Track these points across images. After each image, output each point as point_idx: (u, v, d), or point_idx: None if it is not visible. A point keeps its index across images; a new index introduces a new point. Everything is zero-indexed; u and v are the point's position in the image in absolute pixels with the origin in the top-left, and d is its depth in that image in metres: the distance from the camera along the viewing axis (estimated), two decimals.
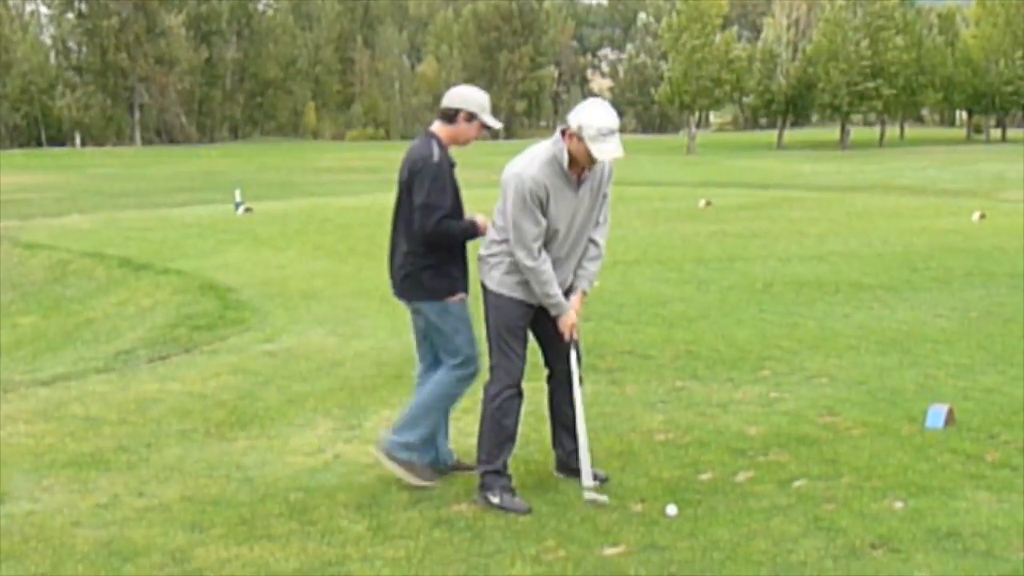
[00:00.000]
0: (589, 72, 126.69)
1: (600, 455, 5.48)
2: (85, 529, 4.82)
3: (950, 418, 6.05)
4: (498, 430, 5.04)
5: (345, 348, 8.74)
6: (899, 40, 67.47)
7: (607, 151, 4.81)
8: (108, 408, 7.03)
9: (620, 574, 4.23)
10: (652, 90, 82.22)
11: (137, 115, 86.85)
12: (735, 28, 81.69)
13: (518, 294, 5.02)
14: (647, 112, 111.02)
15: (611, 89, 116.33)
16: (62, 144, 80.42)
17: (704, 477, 5.32)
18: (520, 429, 5.18)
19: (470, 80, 75.20)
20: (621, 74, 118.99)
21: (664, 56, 77.15)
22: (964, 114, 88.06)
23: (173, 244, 16.70)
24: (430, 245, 5.12)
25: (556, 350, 5.22)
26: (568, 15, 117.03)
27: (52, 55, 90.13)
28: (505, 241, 4.97)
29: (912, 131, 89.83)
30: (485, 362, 5.20)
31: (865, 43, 66.88)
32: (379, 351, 8.54)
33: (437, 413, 5.30)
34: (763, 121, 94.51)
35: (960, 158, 47.10)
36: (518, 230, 4.88)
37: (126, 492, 5.31)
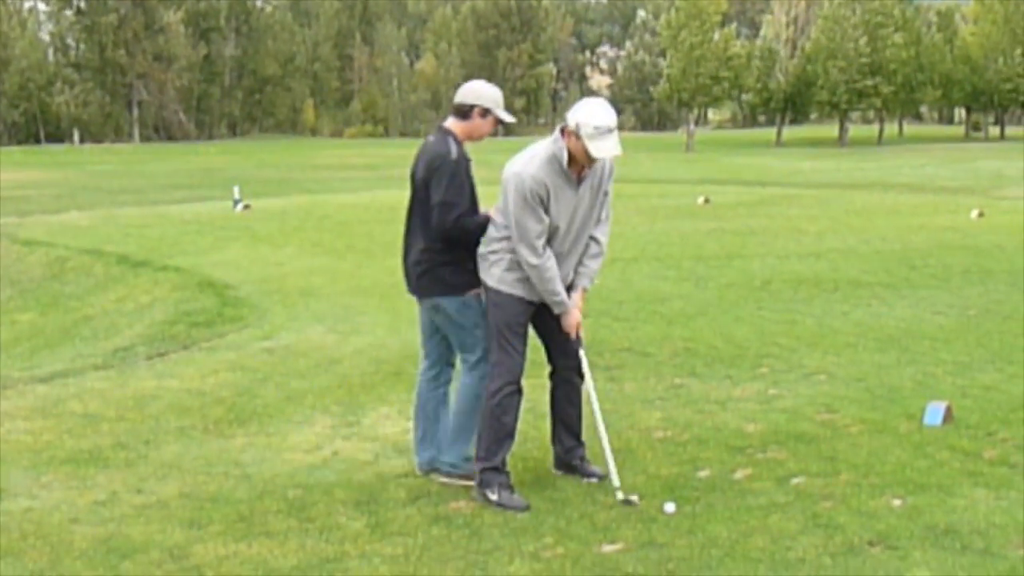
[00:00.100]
0: (588, 69, 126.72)
1: (598, 452, 5.47)
2: (83, 526, 4.82)
3: (948, 415, 6.06)
4: (497, 427, 5.04)
5: (343, 345, 8.74)
6: (898, 38, 67.43)
7: (605, 149, 4.82)
8: (106, 405, 7.03)
9: (618, 571, 4.23)
10: (651, 87, 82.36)
11: (135, 112, 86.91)
12: (734, 25, 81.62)
13: (518, 291, 5.02)
14: (646, 109, 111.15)
15: (610, 86, 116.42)
16: (60, 141, 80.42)
17: (702, 474, 5.32)
18: (519, 426, 5.17)
19: (469, 77, 75.04)
20: (620, 71, 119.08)
21: (663, 53, 77.10)
22: (963, 112, 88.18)
23: (171, 241, 16.70)
24: (448, 242, 5.11)
25: (559, 347, 5.22)
26: (567, 12, 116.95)
27: (50, 52, 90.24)
28: (505, 238, 4.98)
29: (911, 129, 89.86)
30: None
31: (864, 41, 66.85)
32: (377, 348, 8.54)
33: (474, 414, 5.26)
34: (762, 118, 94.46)
35: (958, 156, 47.15)
36: (521, 228, 4.88)
37: (124, 489, 5.31)
